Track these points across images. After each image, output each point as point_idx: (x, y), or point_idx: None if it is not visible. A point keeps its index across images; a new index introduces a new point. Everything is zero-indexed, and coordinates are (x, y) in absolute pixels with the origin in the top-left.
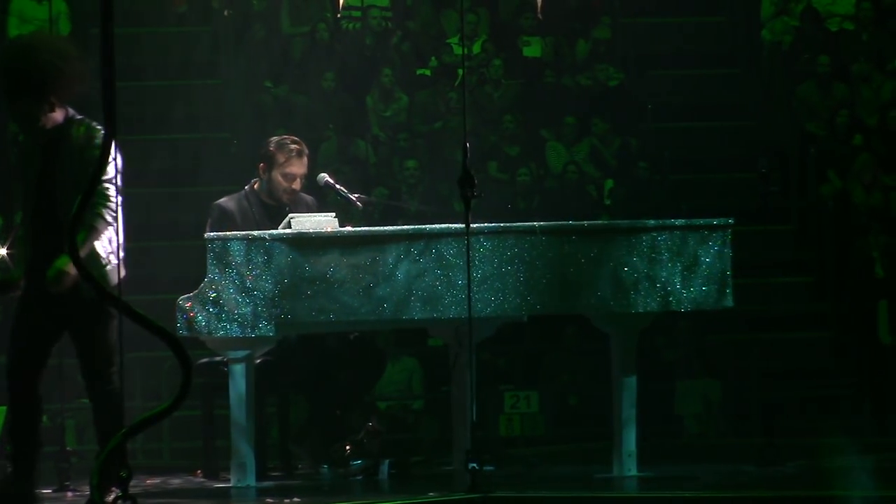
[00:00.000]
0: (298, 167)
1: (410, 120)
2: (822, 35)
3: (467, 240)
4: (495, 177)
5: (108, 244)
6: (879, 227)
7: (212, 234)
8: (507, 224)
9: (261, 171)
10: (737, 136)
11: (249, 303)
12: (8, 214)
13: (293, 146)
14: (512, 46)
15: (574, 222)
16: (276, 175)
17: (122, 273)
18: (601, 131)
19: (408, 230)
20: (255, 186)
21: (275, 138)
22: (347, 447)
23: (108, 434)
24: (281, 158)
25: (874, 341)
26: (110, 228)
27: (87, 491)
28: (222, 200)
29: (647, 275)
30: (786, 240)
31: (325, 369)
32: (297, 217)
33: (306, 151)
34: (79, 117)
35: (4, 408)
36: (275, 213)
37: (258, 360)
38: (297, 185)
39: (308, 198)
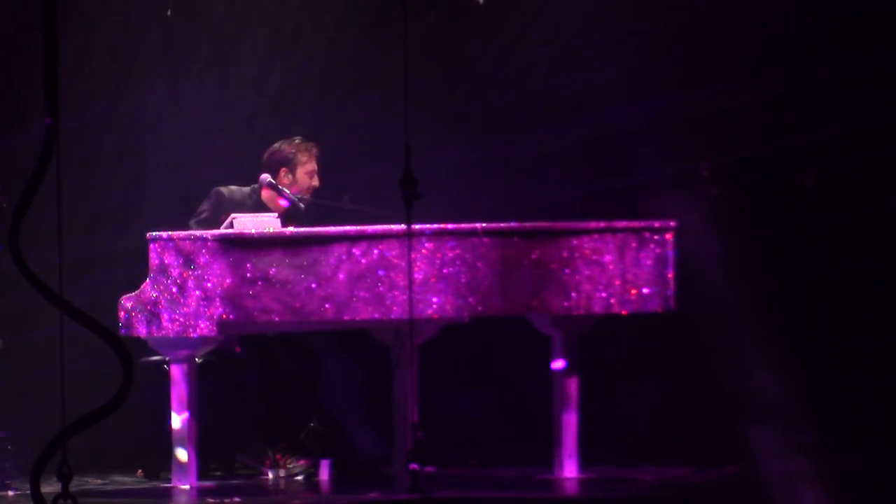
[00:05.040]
0: (316, 163)
1: (354, 121)
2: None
3: (409, 241)
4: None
5: None
6: (822, 229)
7: (153, 233)
8: (449, 225)
9: (282, 176)
10: (680, 138)
11: (191, 303)
12: None
13: (310, 144)
14: (454, 48)
15: (516, 223)
16: (301, 174)
17: None
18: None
19: (350, 231)
20: (261, 191)
21: (284, 143)
22: (289, 447)
23: None
24: (303, 158)
25: (817, 343)
26: None
27: (28, 489)
28: (225, 187)
29: (588, 277)
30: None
31: (265, 370)
32: (240, 217)
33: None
34: None
35: None
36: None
37: (200, 360)
38: (316, 181)
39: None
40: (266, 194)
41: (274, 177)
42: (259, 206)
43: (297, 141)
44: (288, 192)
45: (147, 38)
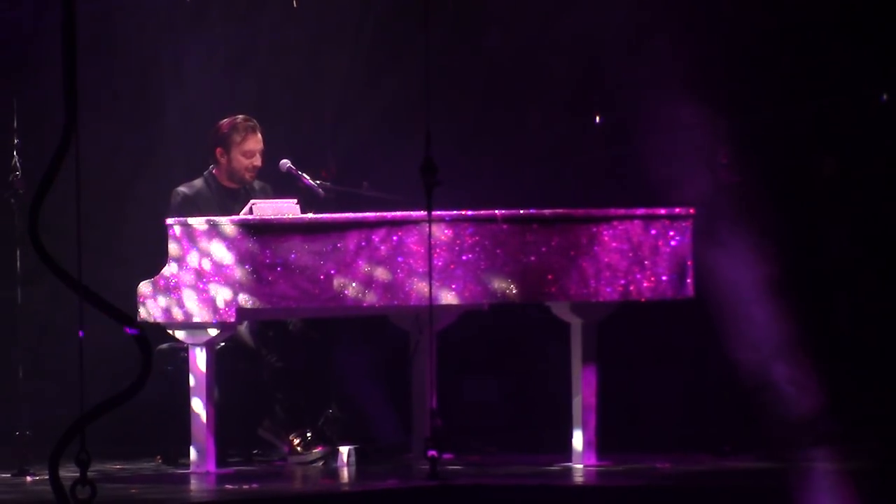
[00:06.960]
0: (255, 142)
1: (374, 107)
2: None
3: (429, 227)
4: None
5: None
6: (839, 217)
7: (172, 219)
8: (469, 212)
9: (218, 156)
10: (698, 125)
11: (210, 289)
12: None
13: (246, 122)
14: (473, 33)
15: (535, 210)
16: (236, 155)
17: None
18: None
19: (369, 217)
20: (214, 171)
21: (225, 120)
22: (308, 434)
23: None
24: (237, 138)
25: (832, 331)
26: None
27: (46, 475)
28: (183, 186)
29: (607, 264)
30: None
31: (283, 357)
32: (259, 203)
33: (259, 126)
34: None
35: None
36: (235, 196)
37: (219, 346)
38: (257, 161)
39: (262, 183)
40: (219, 173)
41: (211, 157)
42: (220, 188)
43: (238, 119)
44: (307, 177)
45: (159, 14)
